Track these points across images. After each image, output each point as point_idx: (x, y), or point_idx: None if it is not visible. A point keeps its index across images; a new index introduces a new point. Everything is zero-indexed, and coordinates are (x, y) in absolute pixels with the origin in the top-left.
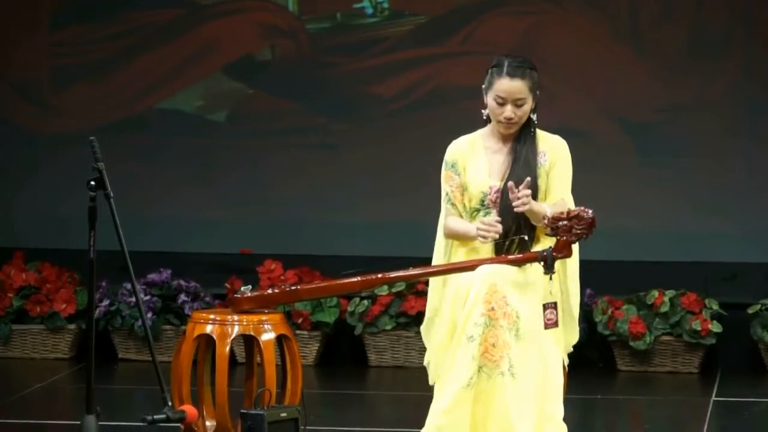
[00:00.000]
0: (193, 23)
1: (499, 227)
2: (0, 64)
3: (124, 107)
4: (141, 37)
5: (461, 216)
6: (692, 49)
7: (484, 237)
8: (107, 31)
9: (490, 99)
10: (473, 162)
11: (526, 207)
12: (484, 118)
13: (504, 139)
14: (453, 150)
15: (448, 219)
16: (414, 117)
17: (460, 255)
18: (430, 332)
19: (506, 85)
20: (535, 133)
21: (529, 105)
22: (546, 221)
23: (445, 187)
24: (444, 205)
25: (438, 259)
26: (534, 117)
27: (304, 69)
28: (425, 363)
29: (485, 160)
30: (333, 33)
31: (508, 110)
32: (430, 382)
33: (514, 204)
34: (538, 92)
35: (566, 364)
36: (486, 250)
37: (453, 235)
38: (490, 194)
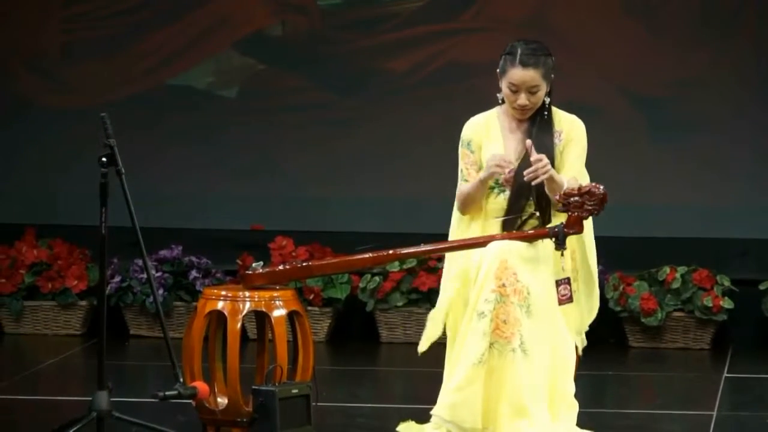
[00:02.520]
0: None
1: (514, 165)
2: (12, 39)
3: (136, 83)
4: (152, 12)
5: None
6: (704, 24)
7: (499, 169)
8: (118, 6)
9: (504, 86)
10: (489, 141)
11: (547, 175)
12: (500, 102)
13: (519, 119)
14: (469, 128)
15: (458, 190)
16: (425, 93)
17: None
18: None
19: (519, 74)
20: (550, 112)
21: (543, 91)
22: (558, 197)
23: (461, 165)
24: (459, 182)
25: (453, 237)
26: (548, 100)
27: (315, 45)
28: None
29: (500, 140)
30: (344, 9)
31: (522, 98)
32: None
33: (530, 173)
34: (552, 76)
35: (582, 347)
36: (497, 227)
37: (466, 198)
38: (504, 173)
